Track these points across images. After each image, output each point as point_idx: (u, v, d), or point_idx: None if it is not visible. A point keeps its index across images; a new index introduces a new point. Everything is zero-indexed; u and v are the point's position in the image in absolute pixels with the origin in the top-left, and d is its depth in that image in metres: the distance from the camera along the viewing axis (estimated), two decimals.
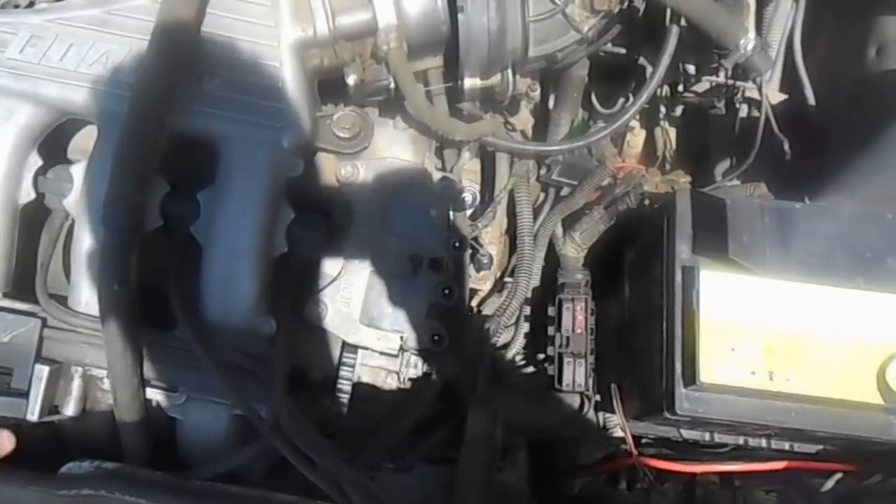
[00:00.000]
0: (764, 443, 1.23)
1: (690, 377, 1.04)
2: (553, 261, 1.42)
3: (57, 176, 1.11)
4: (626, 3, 1.29)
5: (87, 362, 1.07)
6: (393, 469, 1.20)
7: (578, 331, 1.28)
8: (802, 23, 1.43)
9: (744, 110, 1.53)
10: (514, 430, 1.27)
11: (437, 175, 1.28)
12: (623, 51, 1.41)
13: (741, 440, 1.24)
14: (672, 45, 1.26)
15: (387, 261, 1.19)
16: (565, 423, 1.33)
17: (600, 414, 1.32)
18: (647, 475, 1.31)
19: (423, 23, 1.14)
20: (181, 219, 1.10)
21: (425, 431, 1.24)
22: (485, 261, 1.35)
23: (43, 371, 1.04)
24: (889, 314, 1.06)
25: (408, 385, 1.21)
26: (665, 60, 1.26)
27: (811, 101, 1.45)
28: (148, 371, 1.06)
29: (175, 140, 1.07)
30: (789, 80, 1.49)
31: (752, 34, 1.23)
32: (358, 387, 1.18)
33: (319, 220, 1.18)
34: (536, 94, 1.37)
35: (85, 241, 1.06)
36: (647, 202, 1.39)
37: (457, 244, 1.22)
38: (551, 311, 1.31)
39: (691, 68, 1.39)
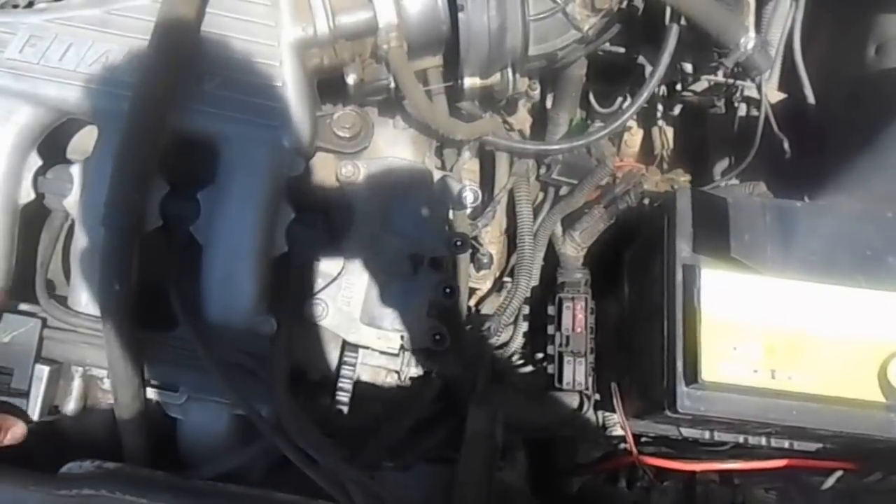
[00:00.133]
0: (764, 441, 1.23)
1: (692, 375, 1.04)
2: (553, 260, 1.42)
3: (57, 176, 1.11)
4: (625, 2, 1.29)
5: (87, 362, 1.07)
6: (393, 468, 1.20)
7: (578, 330, 1.29)
8: (802, 21, 1.43)
9: (743, 109, 1.53)
10: (513, 429, 1.27)
11: (437, 174, 1.27)
12: (622, 50, 1.41)
13: (741, 438, 1.24)
14: (672, 44, 1.25)
15: (387, 260, 1.19)
16: (565, 422, 1.34)
17: (599, 413, 1.32)
18: (647, 473, 1.31)
19: (424, 22, 1.14)
20: (181, 219, 1.09)
21: (425, 430, 1.23)
22: (484, 260, 1.36)
23: (43, 371, 1.04)
24: (890, 312, 1.06)
25: (408, 384, 1.21)
26: (665, 59, 1.26)
27: (810, 99, 1.45)
28: (148, 371, 1.06)
29: (175, 140, 1.07)
30: (788, 79, 1.49)
31: (752, 33, 1.23)
32: (358, 386, 1.18)
33: (320, 220, 1.18)
34: (536, 93, 1.38)
35: (85, 241, 1.06)
36: (646, 201, 1.39)
37: (458, 243, 1.22)
38: (551, 310, 1.32)
39: (689, 67, 1.39)
